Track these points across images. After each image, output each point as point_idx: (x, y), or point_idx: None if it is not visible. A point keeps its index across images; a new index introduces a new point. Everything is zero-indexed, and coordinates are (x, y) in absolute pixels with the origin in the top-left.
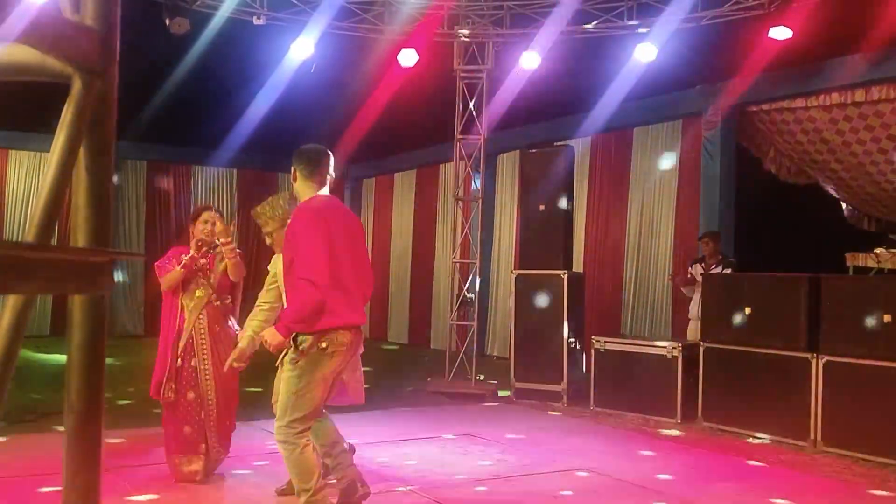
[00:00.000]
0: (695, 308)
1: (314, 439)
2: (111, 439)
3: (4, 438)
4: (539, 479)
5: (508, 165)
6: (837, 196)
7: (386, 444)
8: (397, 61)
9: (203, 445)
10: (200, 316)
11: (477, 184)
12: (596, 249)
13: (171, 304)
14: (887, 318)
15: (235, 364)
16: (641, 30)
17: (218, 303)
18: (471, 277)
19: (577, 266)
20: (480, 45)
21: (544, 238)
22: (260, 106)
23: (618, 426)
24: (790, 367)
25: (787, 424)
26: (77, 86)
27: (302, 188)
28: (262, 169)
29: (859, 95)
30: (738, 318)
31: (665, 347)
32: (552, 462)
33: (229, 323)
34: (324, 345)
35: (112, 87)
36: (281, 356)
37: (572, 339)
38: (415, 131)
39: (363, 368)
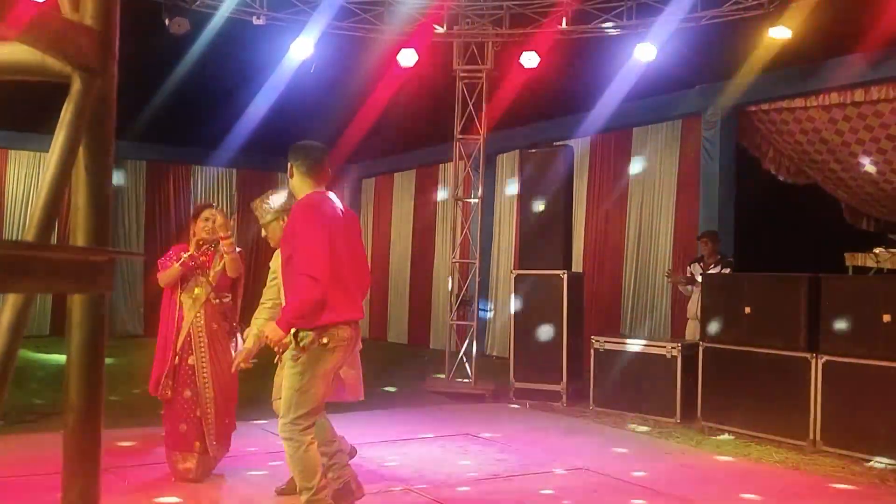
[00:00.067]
0: (693, 307)
1: None
2: (110, 439)
3: (4, 438)
4: (538, 478)
5: (508, 165)
6: (836, 196)
7: (385, 444)
8: (397, 61)
9: (197, 443)
10: (198, 314)
11: (476, 184)
12: (595, 249)
13: (169, 302)
14: (886, 317)
15: (243, 365)
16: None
17: (216, 301)
18: (470, 277)
19: (577, 266)
20: (480, 45)
21: (544, 238)
22: (260, 106)
23: (617, 426)
24: (790, 366)
25: (786, 424)
26: (76, 85)
27: (298, 184)
28: (261, 169)
29: (858, 95)
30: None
31: (664, 347)
32: (552, 462)
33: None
34: (325, 340)
35: (111, 86)
36: (279, 354)
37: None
38: (414, 131)
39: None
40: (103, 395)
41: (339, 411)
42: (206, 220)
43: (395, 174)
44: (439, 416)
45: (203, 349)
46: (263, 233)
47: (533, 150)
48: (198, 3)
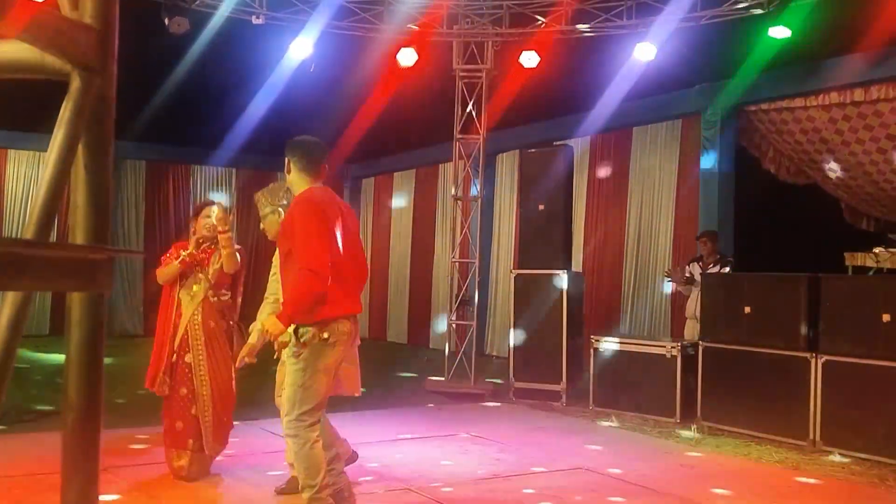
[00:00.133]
0: (692, 307)
1: None
2: (110, 438)
3: (3, 438)
4: (538, 478)
5: (508, 165)
6: (836, 196)
7: (385, 444)
8: (396, 61)
9: (191, 441)
10: (196, 311)
11: (476, 183)
12: (595, 249)
13: (168, 299)
14: (886, 317)
15: (247, 359)
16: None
17: (214, 299)
18: (470, 277)
19: (577, 266)
20: (480, 45)
21: (543, 238)
22: (259, 105)
23: (617, 426)
24: (789, 366)
25: (786, 424)
26: (75, 84)
27: (296, 180)
28: (261, 168)
29: (858, 95)
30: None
31: (664, 347)
32: (551, 461)
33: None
34: (325, 335)
35: (110, 85)
36: (278, 350)
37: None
38: (414, 131)
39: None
40: (102, 394)
41: (338, 411)
42: (207, 217)
43: (395, 174)
44: (439, 416)
45: (200, 347)
46: (262, 225)
47: (532, 150)
48: (197, 2)
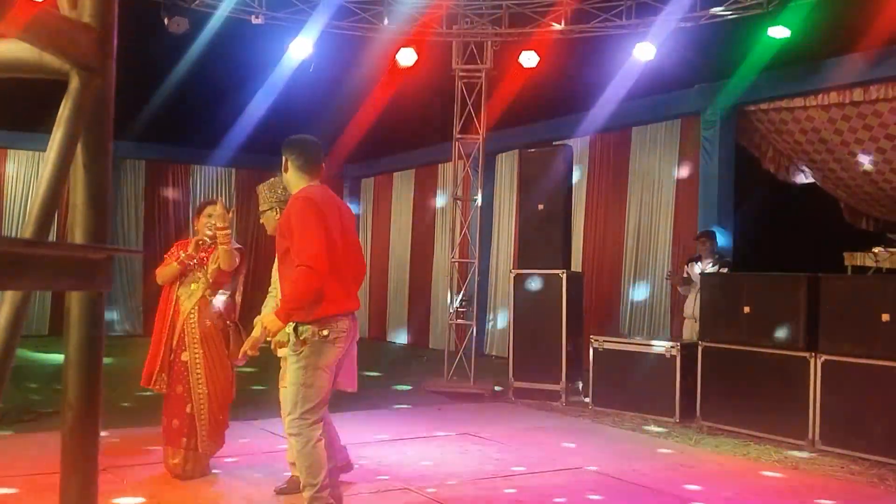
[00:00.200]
0: (690, 307)
1: None
2: (109, 438)
3: (3, 437)
4: (538, 478)
5: (507, 165)
6: (835, 195)
7: (385, 444)
8: (396, 61)
9: (184, 439)
10: (193, 310)
11: (476, 183)
12: (594, 249)
13: (167, 297)
14: (885, 317)
15: (250, 352)
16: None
17: (212, 298)
18: (469, 277)
19: (576, 265)
20: (479, 45)
21: (543, 237)
22: (259, 105)
23: (616, 425)
24: (789, 366)
25: (785, 424)
26: (74, 83)
27: (293, 179)
28: (260, 168)
29: (857, 95)
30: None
31: (664, 347)
32: (551, 461)
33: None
34: (325, 332)
35: (109, 84)
36: (275, 349)
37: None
38: (413, 131)
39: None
40: (101, 393)
41: (338, 411)
42: (209, 216)
43: (395, 174)
44: (438, 415)
45: (196, 345)
46: (261, 219)
47: (532, 150)
48: (197, 2)
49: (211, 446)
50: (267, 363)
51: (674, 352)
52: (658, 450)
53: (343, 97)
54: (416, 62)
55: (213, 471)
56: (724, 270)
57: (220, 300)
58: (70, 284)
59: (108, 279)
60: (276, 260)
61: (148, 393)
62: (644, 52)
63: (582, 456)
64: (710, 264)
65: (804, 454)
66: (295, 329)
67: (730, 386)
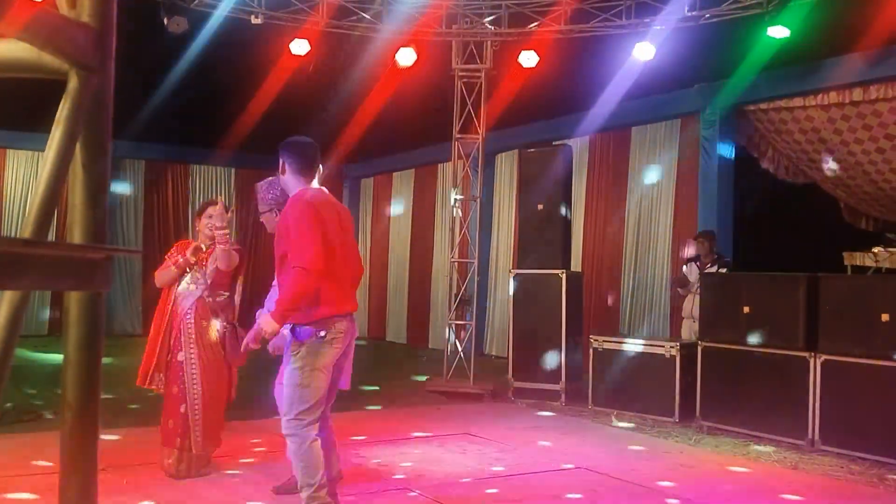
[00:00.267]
0: (688, 307)
1: None
2: (109, 438)
3: (2, 437)
4: (537, 477)
5: (507, 165)
6: (835, 195)
7: (384, 444)
8: (395, 60)
9: (178, 440)
10: (189, 310)
11: (475, 183)
12: (594, 249)
13: (166, 297)
14: (885, 317)
15: (251, 345)
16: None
17: (210, 299)
18: (469, 276)
19: (576, 265)
20: (479, 44)
21: (543, 237)
22: (258, 105)
23: (616, 425)
24: (788, 366)
25: (784, 423)
26: (73, 82)
27: (291, 181)
28: (260, 168)
29: (857, 95)
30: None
31: (663, 347)
32: (550, 461)
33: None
34: (322, 333)
35: (108, 84)
36: (273, 353)
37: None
38: (413, 131)
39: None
40: (100, 393)
41: (337, 411)
42: (210, 217)
43: (394, 174)
44: (438, 415)
45: (192, 346)
46: (261, 218)
47: (531, 150)
48: (196, 2)
49: (205, 447)
50: (267, 363)
51: (673, 352)
52: (657, 450)
53: (342, 97)
54: (416, 62)
55: (213, 470)
56: (724, 270)
57: (218, 326)
58: (69, 284)
59: (107, 279)
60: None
61: (151, 394)
62: (643, 51)
63: (581, 456)
64: (709, 264)
65: (804, 454)
66: (292, 330)
67: (729, 386)
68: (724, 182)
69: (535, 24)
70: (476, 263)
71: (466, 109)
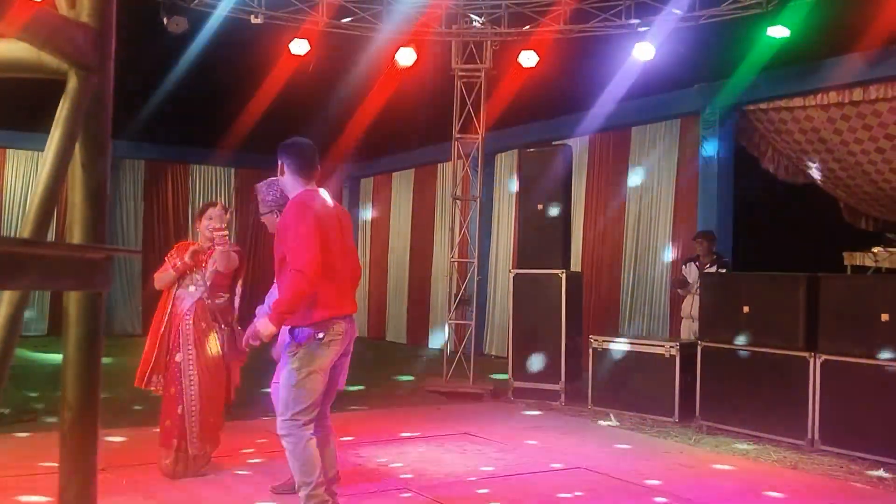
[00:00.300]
0: (688, 307)
1: None
2: (108, 438)
3: (2, 437)
4: (537, 477)
5: (506, 165)
6: (835, 195)
7: (384, 444)
8: (395, 60)
9: (174, 440)
10: (188, 312)
11: (475, 183)
12: (594, 249)
13: (165, 298)
14: (885, 316)
15: (251, 342)
16: (641, 28)
17: (209, 301)
18: (468, 276)
19: (576, 265)
20: (478, 44)
21: (542, 237)
22: (258, 105)
23: (615, 425)
24: (788, 366)
25: (784, 423)
26: (73, 82)
27: (290, 183)
28: (260, 168)
29: (857, 95)
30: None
31: (663, 347)
32: (550, 461)
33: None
34: (320, 335)
35: (108, 83)
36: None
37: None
38: (413, 130)
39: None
40: (100, 393)
41: (337, 411)
42: (211, 219)
43: (394, 174)
44: (438, 415)
45: (190, 347)
46: (262, 218)
47: (531, 150)
48: (196, 1)
49: (202, 447)
50: (267, 364)
51: (673, 351)
52: (657, 449)
53: (342, 97)
54: (416, 62)
55: (212, 470)
56: (723, 271)
57: (217, 339)
58: (69, 284)
59: (106, 279)
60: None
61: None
62: (643, 51)
63: (581, 456)
64: (709, 265)
65: (803, 454)
66: (290, 331)
67: (729, 386)
68: (724, 182)
69: (535, 23)
70: (476, 263)
71: (466, 109)
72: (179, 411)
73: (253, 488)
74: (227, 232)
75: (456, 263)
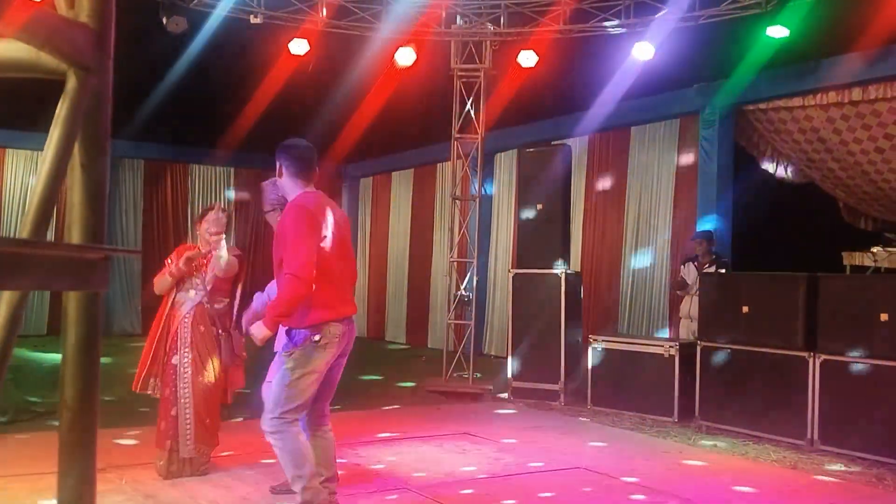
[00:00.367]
0: (686, 307)
1: None
2: (107, 438)
3: (1, 437)
4: (536, 477)
5: (506, 164)
6: (834, 195)
7: (384, 444)
8: (395, 60)
9: (168, 441)
10: (187, 315)
11: (475, 183)
12: (593, 249)
13: (165, 302)
14: (884, 316)
15: (248, 328)
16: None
17: (209, 305)
18: (468, 276)
19: (575, 265)
20: (478, 44)
21: (542, 237)
22: (257, 105)
23: (615, 425)
24: (787, 366)
25: (784, 423)
26: (72, 82)
27: (288, 185)
28: (259, 168)
29: (856, 94)
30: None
31: (662, 346)
32: (549, 461)
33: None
34: (317, 338)
35: (107, 83)
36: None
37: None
38: (412, 130)
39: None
40: (98, 393)
41: (336, 411)
42: (209, 222)
43: (393, 173)
44: (437, 415)
45: (186, 350)
46: (267, 217)
47: (531, 150)
48: (195, 1)
49: (197, 449)
50: (267, 364)
51: (672, 351)
52: (657, 449)
53: (342, 97)
54: (415, 62)
55: (211, 470)
56: (722, 271)
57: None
58: (67, 284)
59: (105, 279)
60: None
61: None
62: (643, 51)
63: (580, 456)
64: (708, 265)
65: (803, 453)
66: (288, 332)
67: (728, 386)
68: (724, 182)
69: (535, 23)
70: (475, 263)
71: (466, 109)
72: (174, 413)
73: (253, 488)
74: (222, 235)
75: (455, 263)
